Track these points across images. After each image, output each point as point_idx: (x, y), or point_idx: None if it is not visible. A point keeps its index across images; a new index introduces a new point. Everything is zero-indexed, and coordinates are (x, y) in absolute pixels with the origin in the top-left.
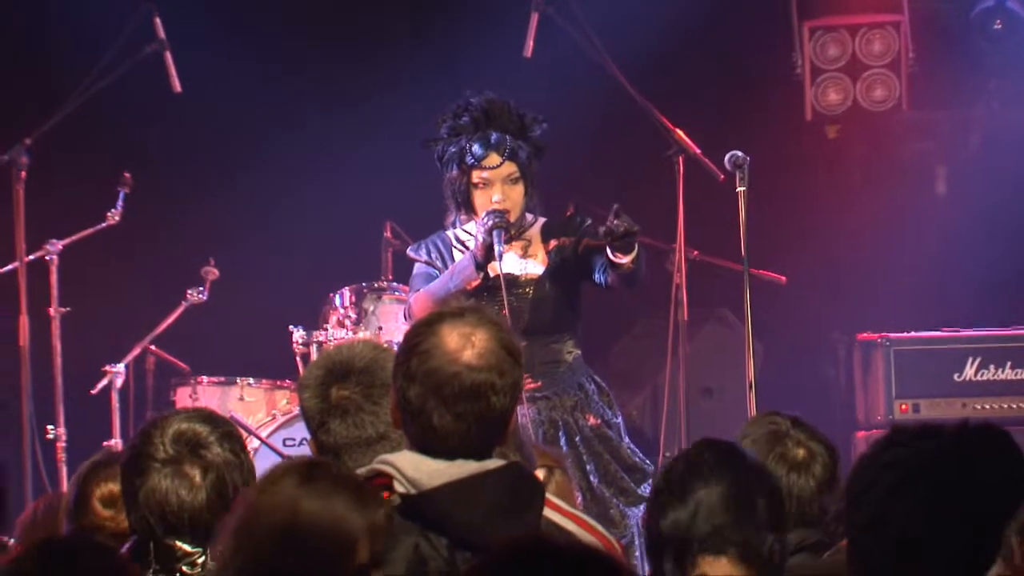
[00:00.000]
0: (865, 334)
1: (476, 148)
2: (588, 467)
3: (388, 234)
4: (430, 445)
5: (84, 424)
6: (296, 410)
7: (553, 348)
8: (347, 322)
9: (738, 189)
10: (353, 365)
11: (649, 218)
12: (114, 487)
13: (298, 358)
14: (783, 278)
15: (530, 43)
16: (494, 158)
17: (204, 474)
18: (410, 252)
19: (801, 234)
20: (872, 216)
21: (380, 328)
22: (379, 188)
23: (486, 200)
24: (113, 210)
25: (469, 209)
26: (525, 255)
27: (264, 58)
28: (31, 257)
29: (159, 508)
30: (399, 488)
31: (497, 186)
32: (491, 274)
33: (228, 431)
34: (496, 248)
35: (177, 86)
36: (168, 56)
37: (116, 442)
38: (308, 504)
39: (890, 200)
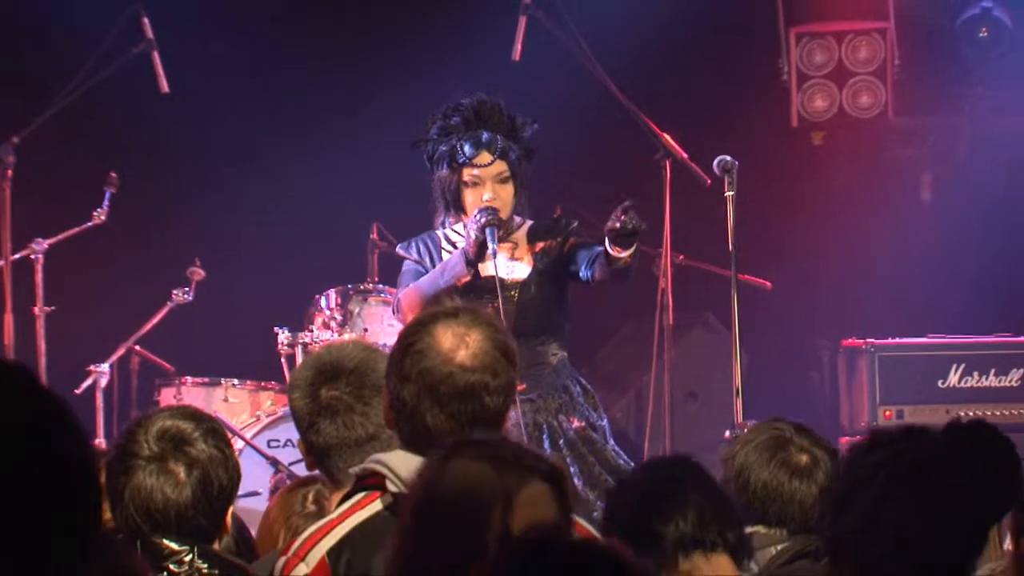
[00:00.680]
0: (850, 340)
1: (467, 147)
2: (572, 469)
3: (375, 236)
4: (423, 445)
5: None
6: (281, 411)
7: (538, 350)
8: (332, 324)
9: (726, 194)
10: (343, 366)
11: None
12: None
13: (283, 359)
14: (768, 283)
15: (518, 47)
16: (485, 156)
17: (189, 471)
18: (399, 250)
19: (786, 240)
20: (857, 222)
21: (365, 330)
22: (366, 190)
23: (477, 198)
24: (99, 209)
25: (459, 208)
26: (512, 257)
27: (252, 59)
28: (16, 256)
29: (144, 506)
30: (391, 487)
31: (488, 184)
32: (481, 274)
33: (212, 427)
34: (490, 246)
35: (165, 86)
36: (156, 56)
37: (100, 442)
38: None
39: (875, 207)
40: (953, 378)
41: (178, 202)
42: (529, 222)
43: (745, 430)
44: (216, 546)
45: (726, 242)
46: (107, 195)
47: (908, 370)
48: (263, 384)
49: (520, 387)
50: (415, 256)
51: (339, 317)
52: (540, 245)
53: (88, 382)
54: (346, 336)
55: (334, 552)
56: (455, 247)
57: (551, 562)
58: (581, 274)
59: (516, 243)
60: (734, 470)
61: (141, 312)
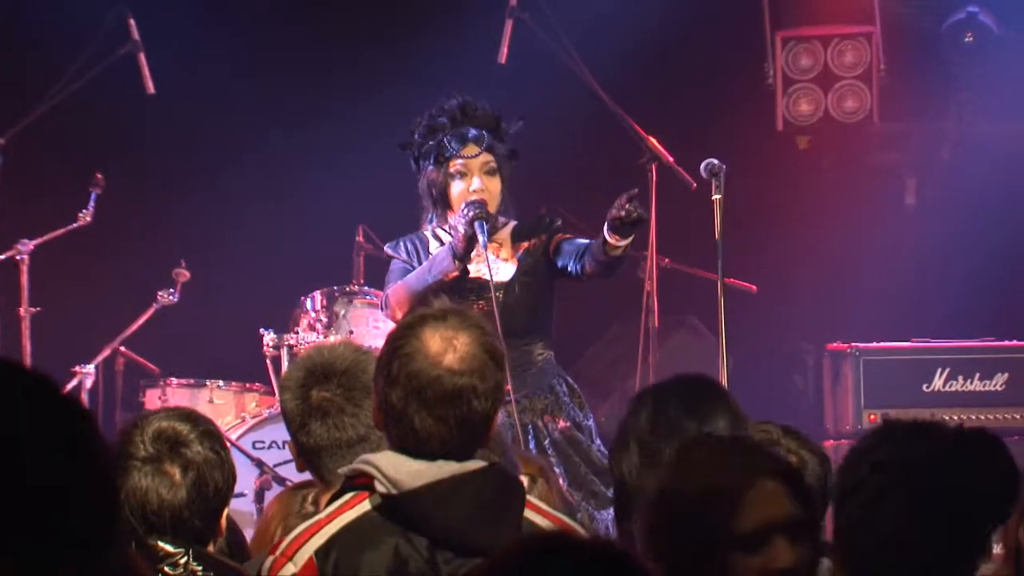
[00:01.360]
0: (834, 344)
1: (453, 141)
2: (557, 470)
3: (360, 238)
4: (412, 447)
5: None
6: (266, 413)
7: (524, 350)
8: (318, 326)
9: (713, 197)
10: (334, 367)
11: None
12: None
13: (268, 361)
14: (753, 287)
15: (504, 50)
16: (472, 148)
17: (184, 473)
18: (387, 249)
19: (771, 244)
20: (842, 226)
21: (351, 332)
22: (352, 192)
23: (464, 189)
24: (84, 210)
25: (446, 204)
26: (496, 258)
27: (237, 61)
28: (2, 257)
29: (140, 507)
30: (380, 488)
31: (475, 174)
32: (469, 273)
33: (208, 430)
34: (480, 239)
35: (151, 87)
36: (142, 57)
37: None
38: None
39: (860, 211)
40: (938, 382)
41: (164, 203)
42: (513, 222)
43: None
44: (211, 548)
45: (711, 246)
46: (92, 196)
47: (893, 374)
48: (248, 385)
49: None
50: (403, 256)
51: (324, 319)
52: (524, 244)
53: (73, 383)
54: (331, 338)
55: (322, 552)
56: (443, 245)
57: (555, 563)
58: (570, 269)
59: (500, 243)
60: None
61: (126, 313)
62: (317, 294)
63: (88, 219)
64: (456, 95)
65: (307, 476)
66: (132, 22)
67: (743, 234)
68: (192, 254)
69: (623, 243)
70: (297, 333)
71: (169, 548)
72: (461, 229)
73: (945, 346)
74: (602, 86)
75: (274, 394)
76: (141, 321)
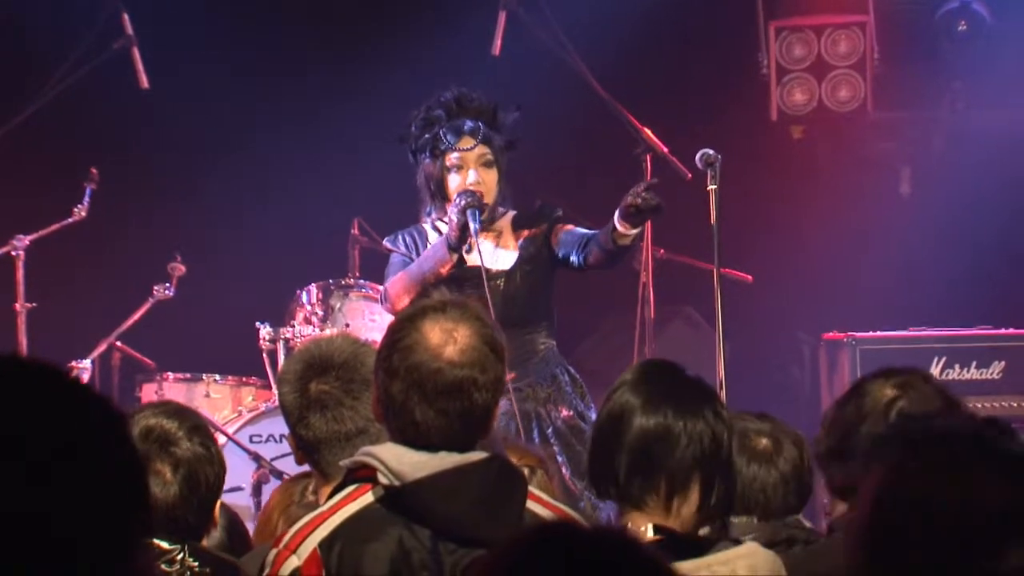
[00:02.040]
0: (831, 333)
1: (449, 134)
2: (560, 459)
3: (356, 231)
4: (413, 440)
5: None
6: (262, 407)
7: (525, 339)
8: (314, 319)
9: (709, 187)
10: (333, 360)
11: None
12: None
13: (264, 355)
14: (749, 277)
15: (498, 41)
16: (468, 140)
17: (175, 470)
18: (386, 243)
19: (766, 234)
20: (837, 216)
21: (347, 325)
22: (347, 185)
23: (460, 182)
24: (79, 205)
25: (444, 197)
26: (496, 247)
27: (232, 55)
28: None
29: None
30: (383, 480)
31: (472, 167)
32: (466, 263)
33: (196, 424)
34: (472, 226)
35: (145, 82)
36: (136, 52)
37: None
38: None
39: (855, 200)
40: (934, 371)
41: (159, 198)
42: (513, 212)
43: None
44: (205, 540)
45: (706, 236)
46: (87, 191)
47: (889, 363)
48: (245, 379)
49: (509, 375)
50: (402, 249)
51: (320, 312)
52: (524, 233)
53: None
54: (327, 331)
55: (325, 544)
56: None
57: (559, 551)
58: (572, 259)
59: (500, 231)
60: None
61: (122, 308)
62: (313, 287)
63: (83, 214)
64: (452, 87)
65: (306, 469)
66: (126, 17)
67: (738, 224)
68: (187, 248)
69: (633, 232)
70: (293, 327)
71: (165, 545)
72: (454, 218)
73: (942, 335)
74: (596, 77)
75: (270, 388)
76: (137, 316)
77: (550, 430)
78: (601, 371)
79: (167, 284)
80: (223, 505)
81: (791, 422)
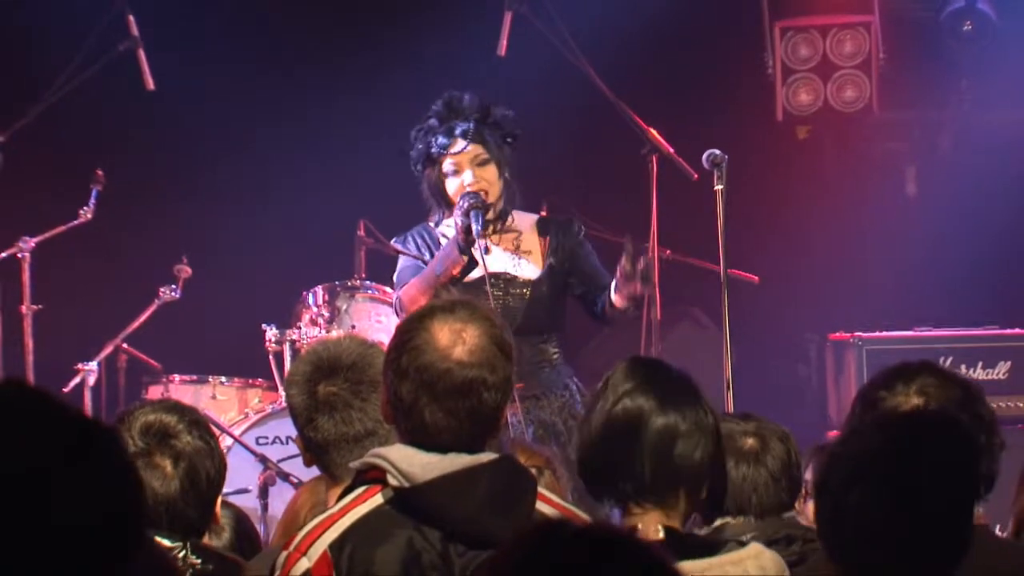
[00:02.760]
0: (837, 333)
1: (440, 138)
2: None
3: (361, 232)
4: (422, 441)
5: None
6: (269, 408)
7: (541, 348)
8: (320, 321)
9: (716, 188)
10: (341, 361)
11: (622, 217)
12: None
13: (271, 356)
14: (755, 278)
15: (504, 42)
16: (459, 143)
17: (176, 464)
18: (395, 243)
19: (772, 234)
20: (843, 216)
21: (353, 326)
22: (353, 186)
23: (459, 185)
24: (86, 207)
25: (447, 203)
26: (518, 251)
27: (238, 56)
28: (3, 254)
29: None
30: (392, 481)
31: (467, 169)
32: (477, 264)
33: (196, 419)
34: (475, 227)
35: (150, 83)
36: (141, 53)
37: None
38: None
39: (860, 200)
40: None
41: (165, 200)
42: (533, 215)
43: None
44: (207, 537)
45: (712, 237)
46: (94, 193)
47: (895, 363)
48: (251, 381)
49: (518, 385)
50: (414, 251)
51: (327, 314)
52: (553, 244)
53: (76, 380)
54: (333, 333)
55: (336, 546)
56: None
57: (561, 549)
58: (596, 309)
59: (521, 234)
60: None
61: (128, 310)
62: (319, 289)
63: (89, 216)
64: (444, 93)
65: (314, 471)
66: (131, 18)
67: (743, 225)
68: (194, 250)
69: (626, 304)
70: (299, 328)
71: (166, 542)
72: (458, 221)
73: (948, 335)
74: (602, 77)
75: (277, 390)
76: (143, 318)
77: (563, 438)
78: (605, 370)
79: (173, 286)
80: (232, 506)
81: (797, 423)
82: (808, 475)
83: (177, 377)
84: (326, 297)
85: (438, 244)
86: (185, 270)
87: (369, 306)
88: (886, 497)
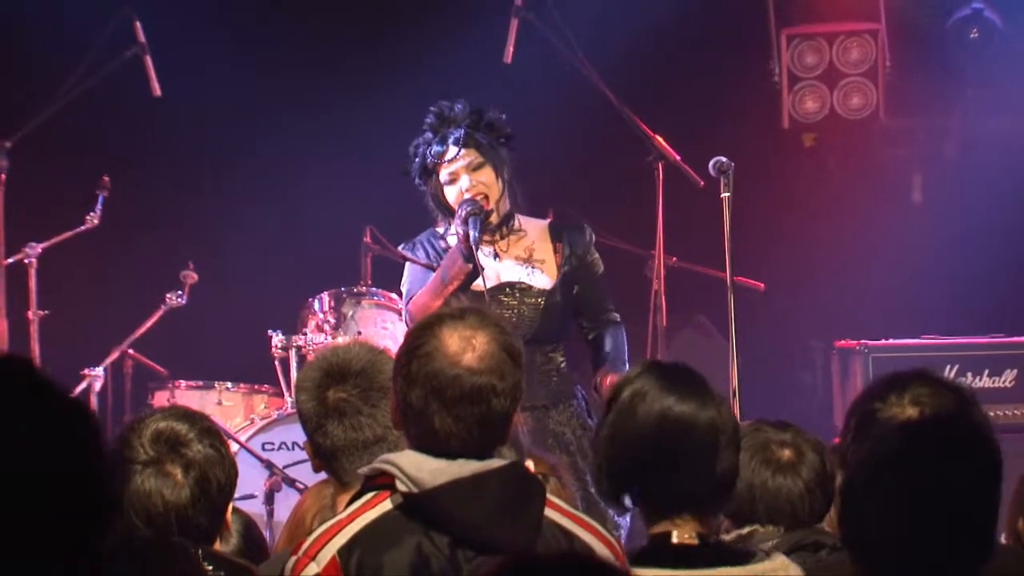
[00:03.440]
0: (843, 341)
1: (435, 148)
2: (587, 477)
3: (368, 239)
4: (431, 447)
5: None
6: (275, 414)
7: (550, 356)
8: (326, 327)
9: (722, 195)
10: (350, 367)
11: (629, 224)
12: None
13: (277, 362)
14: (761, 285)
15: (510, 49)
16: (451, 150)
17: (186, 472)
18: (403, 250)
19: (778, 241)
20: (849, 223)
21: (359, 332)
22: (359, 193)
23: (456, 193)
24: (92, 213)
25: (448, 211)
26: (531, 260)
27: (244, 63)
28: (10, 260)
29: (144, 510)
30: (401, 487)
31: (464, 175)
32: (481, 271)
33: (207, 427)
34: (472, 234)
35: (157, 90)
36: (148, 60)
37: None
38: None
39: (866, 208)
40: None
41: (171, 206)
42: (543, 221)
43: None
44: (218, 544)
45: (718, 244)
46: (100, 199)
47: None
48: (257, 387)
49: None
50: (423, 259)
51: (332, 320)
52: (566, 252)
53: (82, 386)
54: (340, 339)
55: (345, 551)
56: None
57: None
58: (588, 336)
59: (532, 241)
60: None
61: (135, 316)
62: (325, 295)
63: (96, 222)
64: (434, 105)
65: (321, 477)
66: (138, 25)
67: (749, 232)
68: (200, 256)
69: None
70: (305, 334)
71: None
72: (459, 230)
73: (954, 343)
74: (608, 85)
75: (283, 395)
76: (149, 323)
77: (573, 446)
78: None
79: (179, 292)
80: (239, 511)
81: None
82: None
83: (183, 383)
84: (332, 303)
85: (446, 251)
86: (191, 276)
87: (375, 312)
88: (911, 500)
